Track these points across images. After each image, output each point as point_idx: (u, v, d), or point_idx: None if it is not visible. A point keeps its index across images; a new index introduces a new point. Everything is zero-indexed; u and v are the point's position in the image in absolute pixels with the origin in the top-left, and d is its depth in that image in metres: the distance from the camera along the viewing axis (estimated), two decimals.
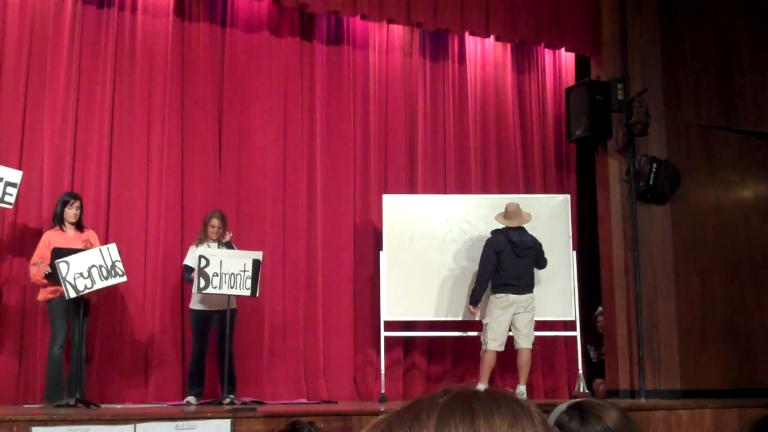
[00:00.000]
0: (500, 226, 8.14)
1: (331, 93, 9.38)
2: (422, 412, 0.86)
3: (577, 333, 8.76)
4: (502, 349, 7.95)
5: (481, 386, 7.32)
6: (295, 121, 9.16)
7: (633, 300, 8.86)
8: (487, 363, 7.91)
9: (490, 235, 8.18)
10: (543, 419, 0.86)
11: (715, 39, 9.64)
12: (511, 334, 7.98)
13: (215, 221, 7.90)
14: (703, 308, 9.10)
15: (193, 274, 7.49)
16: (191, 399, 7.66)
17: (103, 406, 7.09)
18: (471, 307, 8.15)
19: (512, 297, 7.92)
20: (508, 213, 8.12)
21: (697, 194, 9.37)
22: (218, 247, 7.79)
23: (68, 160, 8.11)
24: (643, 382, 8.64)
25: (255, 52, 9.08)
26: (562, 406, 2.21)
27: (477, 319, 8.25)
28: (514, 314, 7.94)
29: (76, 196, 7.52)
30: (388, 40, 9.74)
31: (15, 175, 7.22)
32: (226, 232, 7.95)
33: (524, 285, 8.00)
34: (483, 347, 7.95)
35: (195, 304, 7.84)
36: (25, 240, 7.80)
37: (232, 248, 7.88)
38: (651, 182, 8.90)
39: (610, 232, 9.07)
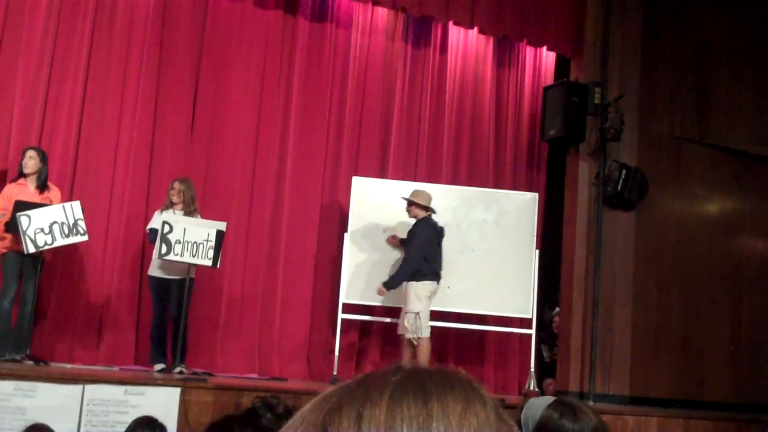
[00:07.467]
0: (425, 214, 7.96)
1: (309, 70, 9.32)
2: (374, 389, 0.83)
3: (533, 331, 8.80)
4: None
5: None
6: (271, 94, 9.10)
7: (590, 303, 8.92)
8: (428, 350, 7.83)
9: (423, 221, 7.95)
10: (495, 404, 0.85)
11: (695, 51, 9.68)
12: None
13: (175, 184, 7.81)
14: (658, 318, 9.18)
15: None
16: (160, 366, 7.49)
17: (52, 364, 7.03)
18: (384, 288, 7.93)
19: (435, 286, 7.91)
20: (426, 198, 7.94)
21: (662, 204, 9.43)
22: (183, 216, 7.70)
23: (38, 114, 7.99)
24: (593, 386, 8.71)
25: (237, 20, 8.99)
26: (541, 402, 2.22)
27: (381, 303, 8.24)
28: None
29: (34, 149, 7.40)
30: (372, 21, 9.69)
31: None
32: (195, 204, 7.84)
33: (439, 274, 8.00)
34: (416, 335, 7.72)
35: (154, 270, 7.75)
36: None
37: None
38: (619, 188, 8.95)
39: (574, 234, 9.12)
